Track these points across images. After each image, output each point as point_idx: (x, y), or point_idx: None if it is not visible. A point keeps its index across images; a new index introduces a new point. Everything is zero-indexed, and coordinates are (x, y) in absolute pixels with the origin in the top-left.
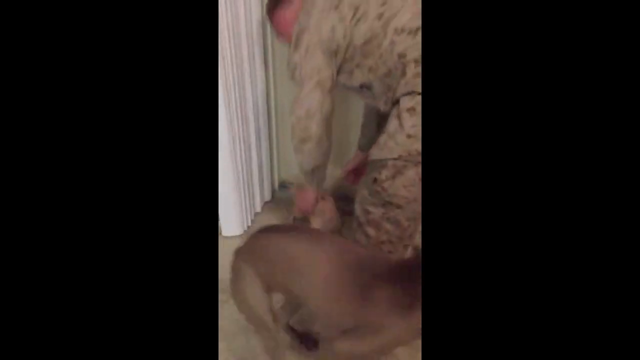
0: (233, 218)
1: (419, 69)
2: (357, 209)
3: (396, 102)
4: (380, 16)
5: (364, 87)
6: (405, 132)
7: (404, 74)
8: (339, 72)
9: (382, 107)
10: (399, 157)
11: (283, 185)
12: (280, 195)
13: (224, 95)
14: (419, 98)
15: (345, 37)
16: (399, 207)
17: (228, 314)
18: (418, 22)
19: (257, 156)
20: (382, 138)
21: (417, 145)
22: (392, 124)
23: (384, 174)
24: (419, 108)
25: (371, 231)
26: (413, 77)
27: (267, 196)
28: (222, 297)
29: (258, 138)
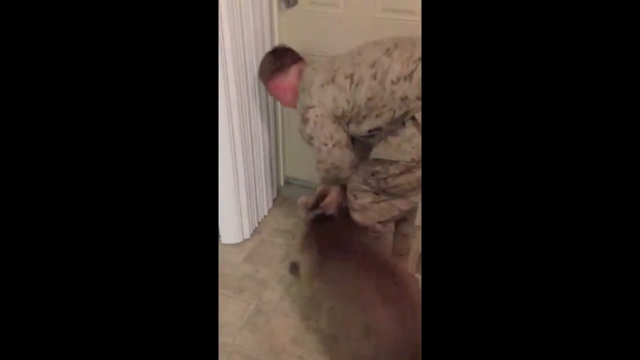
0: (232, 227)
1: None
2: (348, 195)
3: (407, 120)
4: (374, 76)
5: (373, 131)
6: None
7: (409, 109)
8: (347, 125)
9: None
10: (412, 160)
11: (288, 181)
12: (286, 192)
13: (225, 94)
14: None
15: (348, 102)
16: (394, 196)
17: (233, 309)
18: (410, 68)
19: (263, 158)
20: (395, 140)
21: None
22: (408, 130)
23: (392, 170)
24: None
25: (357, 217)
26: (416, 107)
27: (274, 194)
28: (227, 293)
29: (263, 136)
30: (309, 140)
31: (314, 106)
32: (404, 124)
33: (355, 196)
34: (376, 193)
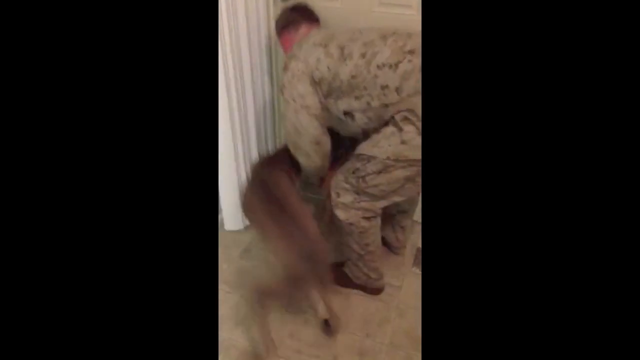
0: (234, 213)
1: (403, 94)
2: (332, 193)
3: (390, 119)
4: (363, 55)
5: (347, 115)
6: (401, 138)
7: (386, 104)
8: (326, 97)
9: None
10: (387, 158)
11: None
12: None
13: (224, 86)
14: (408, 114)
15: (330, 70)
16: (374, 197)
17: (231, 305)
18: (398, 57)
19: (257, 147)
20: (377, 137)
21: (408, 153)
22: (389, 129)
23: (370, 168)
24: (413, 119)
25: (341, 214)
26: (397, 103)
27: None
28: (225, 288)
29: (263, 128)
30: (282, 89)
31: (298, 59)
32: (387, 123)
33: (338, 194)
34: (357, 193)
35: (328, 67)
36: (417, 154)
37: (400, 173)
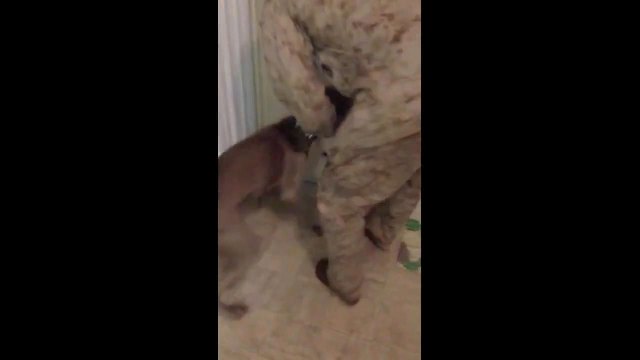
0: None
1: (372, 66)
2: (318, 184)
3: (351, 99)
4: (342, 5)
5: (326, 70)
6: (352, 126)
7: (358, 72)
8: (312, 44)
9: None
10: (347, 148)
11: None
12: None
13: None
14: (366, 95)
15: (305, 11)
16: (349, 192)
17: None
18: (375, 19)
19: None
20: (341, 126)
21: (362, 142)
22: (348, 116)
23: (337, 159)
24: (369, 102)
25: (322, 208)
26: (363, 75)
27: None
28: None
29: (239, 109)
30: (262, 25)
31: None
32: (349, 106)
33: (323, 187)
34: (336, 188)
35: (304, 7)
36: (372, 143)
37: (364, 165)
